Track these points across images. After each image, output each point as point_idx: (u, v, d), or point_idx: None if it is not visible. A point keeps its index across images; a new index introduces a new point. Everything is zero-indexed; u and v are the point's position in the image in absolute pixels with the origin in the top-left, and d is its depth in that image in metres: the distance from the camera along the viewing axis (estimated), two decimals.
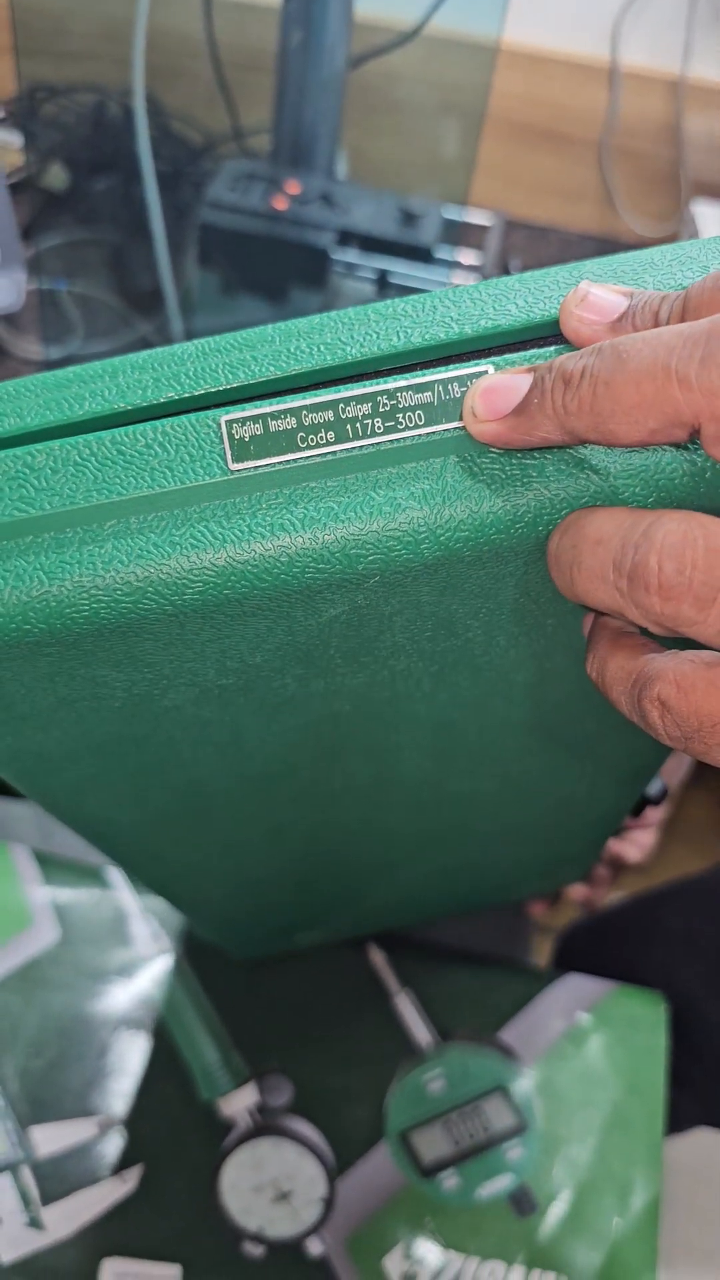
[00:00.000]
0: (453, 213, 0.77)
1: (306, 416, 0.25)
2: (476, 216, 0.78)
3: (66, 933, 0.68)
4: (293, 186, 0.76)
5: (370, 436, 0.25)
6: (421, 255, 0.75)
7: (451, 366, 0.26)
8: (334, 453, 0.25)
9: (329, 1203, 0.60)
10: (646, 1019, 0.68)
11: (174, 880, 0.46)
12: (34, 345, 0.85)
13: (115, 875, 0.72)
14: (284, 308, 0.76)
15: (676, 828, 1.30)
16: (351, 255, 0.74)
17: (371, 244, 0.73)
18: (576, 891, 0.77)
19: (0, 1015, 0.64)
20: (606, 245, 1.07)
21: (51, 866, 0.71)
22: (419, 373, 0.26)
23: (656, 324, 0.25)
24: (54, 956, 0.67)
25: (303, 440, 0.25)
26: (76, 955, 0.68)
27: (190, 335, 0.79)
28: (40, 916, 0.69)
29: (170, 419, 0.25)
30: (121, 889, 0.71)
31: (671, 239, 1.06)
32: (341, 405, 0.25)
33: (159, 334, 0.83)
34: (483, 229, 0.78)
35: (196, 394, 0.26)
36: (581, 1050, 0.66)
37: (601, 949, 0.87)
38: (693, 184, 1.05)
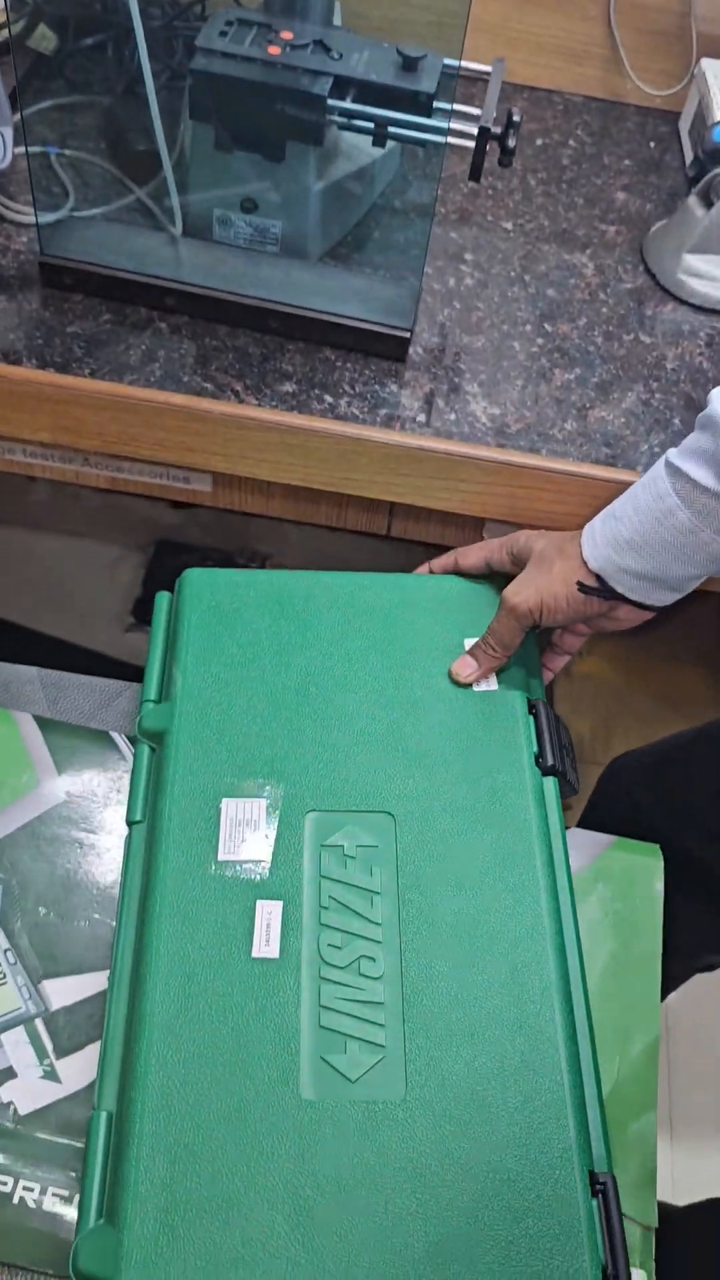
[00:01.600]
0: (454, 61, 0.74)
1: None
2: (478, 64, 0.75)
3: (71, 793, 0.69)
4: (287, 33, 0.72)
5: None
6: (422, 105, 0.72)
7: None
8: None
9: None
10: (644, 871, 0.69)
11: None
12: (26, 210, 0.82)
13: (118, 738, 0.72)
14: (280, 164, 0.73)
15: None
16: (349, 104, 0.71)
17: (369, 92, 0.71)
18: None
19: (9, 873, 0.65)
20: (612, 109, 1.03)
21: (55, 730, 0.71)
22: None
23: None
24: (60, 815, 0.68)
25: None
26: (82, 813, 0.68)
27: (185, 194, 0.77)
28: (46, 777, 0.69)
29: None
30: (121, 749, 0.71)
31: (680, 100, 1.02)
32: None
33: (153, 197, 0.80)
34: (484, 79, 0.75)
35: None
36: (582, 903, 0.67)
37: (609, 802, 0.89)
38: (703, 41, 1.00)
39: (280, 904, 0.58)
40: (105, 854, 0.67)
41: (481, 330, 0.80)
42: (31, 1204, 0.55)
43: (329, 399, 0.74)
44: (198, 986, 0.55)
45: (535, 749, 0.66)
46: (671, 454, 0.62)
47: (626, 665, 1.24)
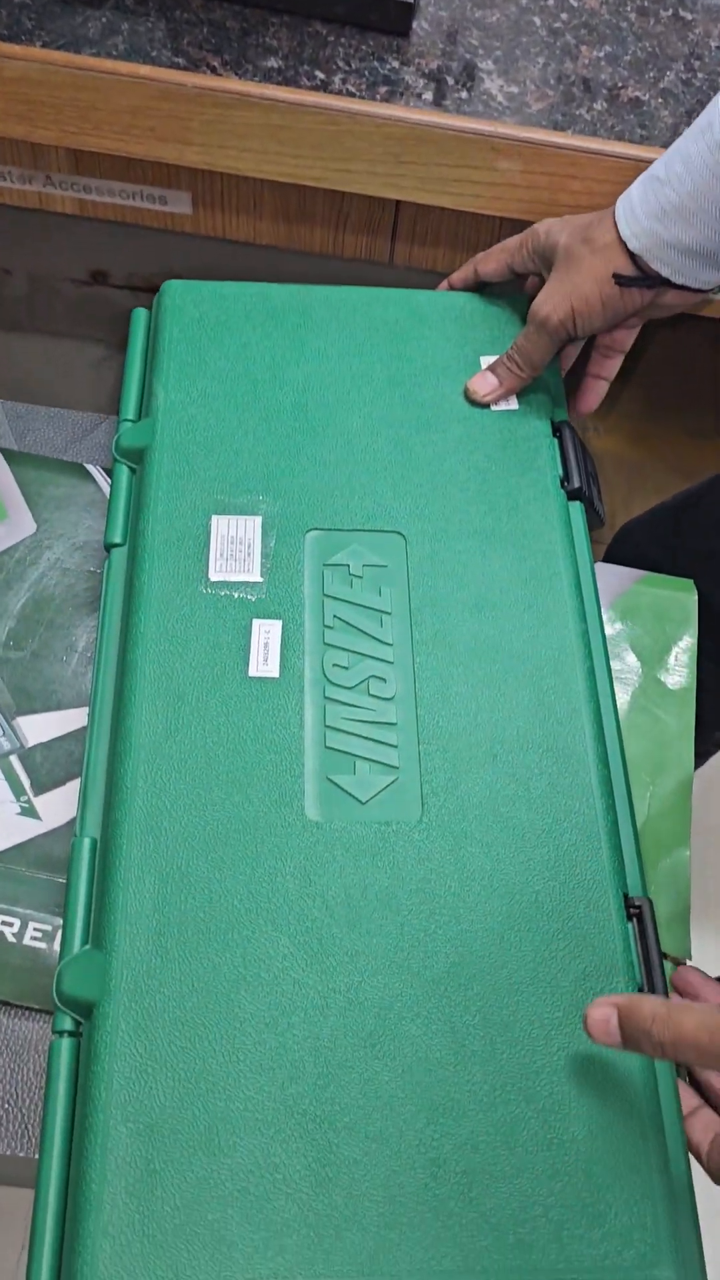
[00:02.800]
0: None
1: None
2: None
3: (42, 526, 0.62)
4: None
5: None
6: None
7: None
8: None
9: None
10: (676, 605, 0.63)
11: None
12: None
13: (90, 469, 0.65)
14: None
15: None
16: None
17: None
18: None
19: None
20: None
21: (24, 462, 0.64)
22: None
23: None
24: (31, 548, 0.61)
25: None
26: (54, 547, 0.61)
27: None
28: (15, 509, 0.62)
29: None
30: (98, 480, 0.64)
31: None
32: None
33: None
34: None
35: None
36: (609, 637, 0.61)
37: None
38: None
39: (279, 623, 0.52)
40: (82, 588, 0.60)
41: (496, 4, 0.70)
42: (11, 938, 0.51)
43: (320, 75, 0.64)
44: (188, 707, 0.50)
45: (560, 472, 0.58)
46: None
47: (645, 441, 1.16)
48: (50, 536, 0.62)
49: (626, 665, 0.61)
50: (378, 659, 0.52)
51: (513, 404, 0.61)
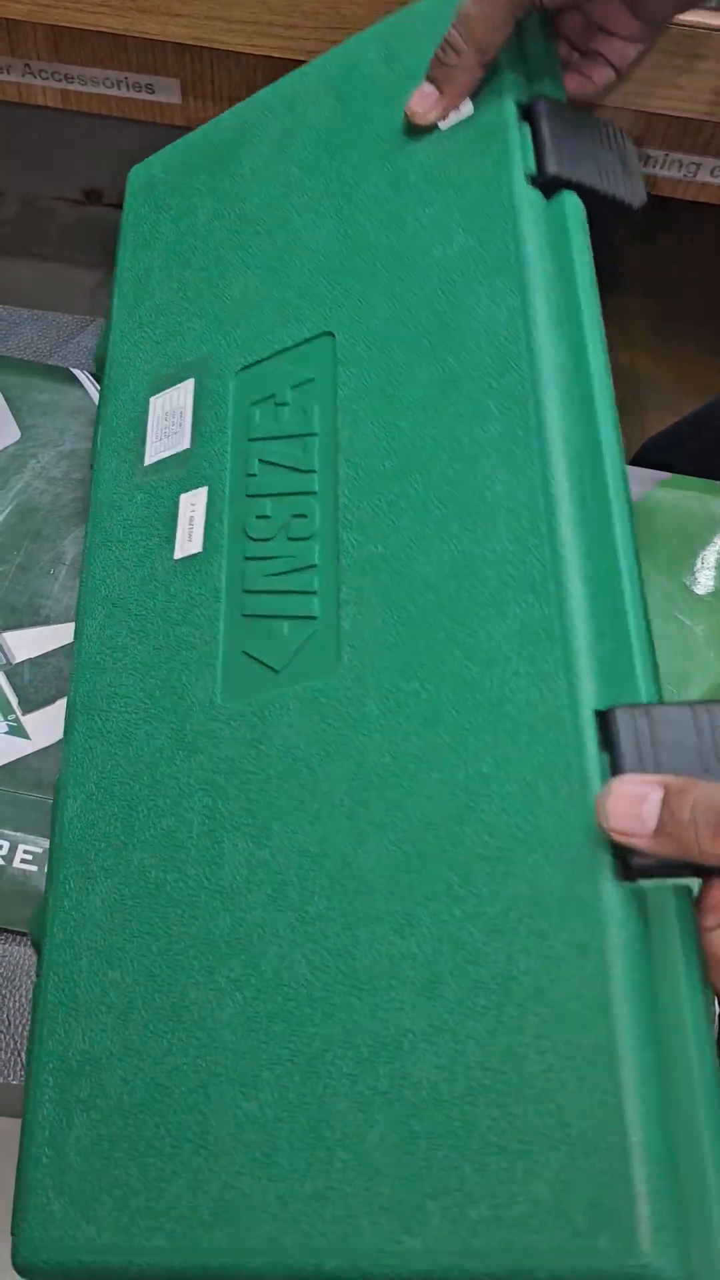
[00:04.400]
0: None
1: None
2: None
3: (26, 433, 0.58)
4: None
5: None
6: None
7: None
8: None
9: None
10: (700, 509, 0.59)
11: None
12: None
13: (78, 374, 0.61)
14: None
15: None
16: None
17: None
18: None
19: None
20: None
21: (7, 367, 0.60)
22: None
23: None
24: (15, 456, 0.58)
25: None
26: (39, 456, 0.58)
27: None
28: None
29: None
30: (85, 386, 0.60)
31: None
32: None
33: None
34: None
35: None
36: None
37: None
38: None
39: (204, 489, 0.46)
40: (69, 498, 0.57)
41: None
42: (1, 861, 0.48)
43: None
44: (121, 610, 0.45)
45: (531, 168, 0.42)
46: None
47: (663, 357, 1.12)
48: (35, 444, 0.58)
49: (647, 566, 0.57)
50: (301, 493, 0.43)
51: (466, 109, 0.45)
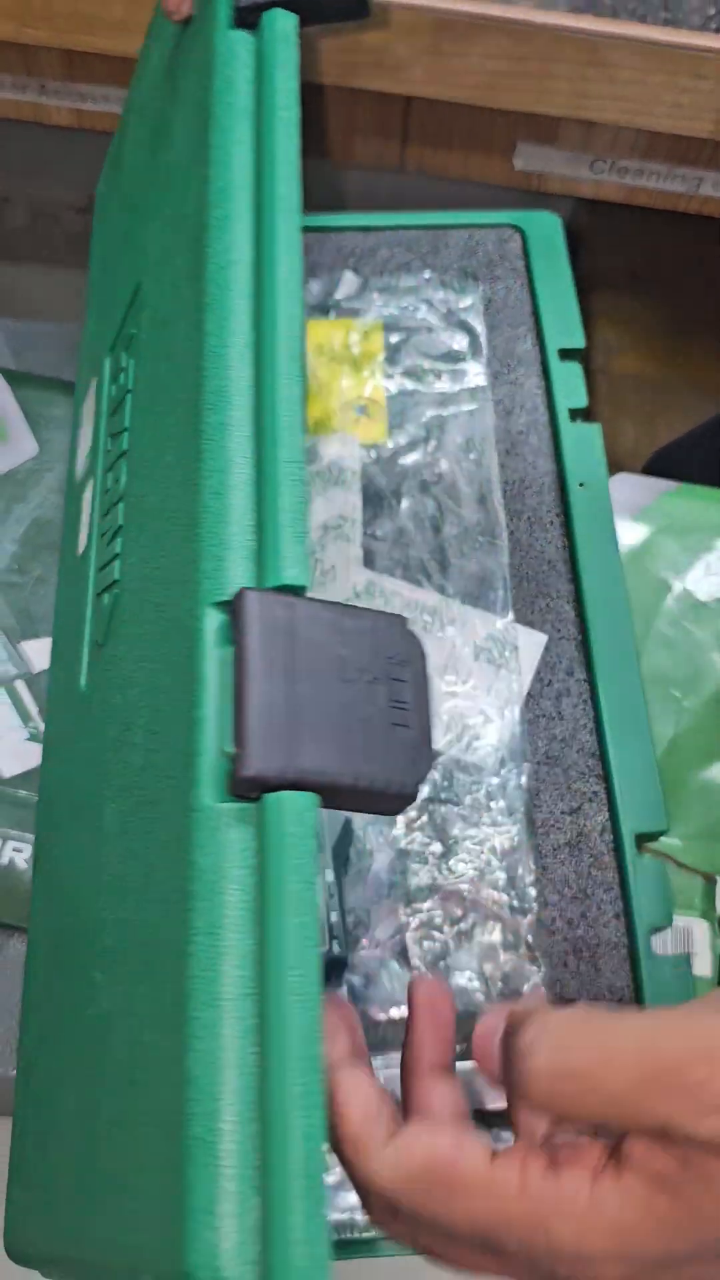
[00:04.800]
0: None
1: None
2: None
3: (44, 447, 0.60)
4: None
5: None
6: None
7: None
8: None
9: None
10: (706, 516, 0.60)
11: None
12: None
13: None
14: None
15: None
16: None
17: None
18: None
19: None
20: None
21: (24, 383, 0.62)
22: None
23: None
24: (33, 471, 0.59)
25: None
26: (56, 470, 0.59)
27: None
28: (15, 430, 0.60)
29: None
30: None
31: None
32: None
33: None
34: None
35: None
36: (635, 552, 0.58)
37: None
38: None
39: (92, 482, 0.46)
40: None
41: None
42: (21, 865, 0.50)
43: None
44: (59, 615, 0.50)
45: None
46: None
47: (669, 359, 1.13)
48: (53, 459, 0.60)
49: (651, 574, 0.58)
50: (119, 455, 0.41)
51: None
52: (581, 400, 0.55)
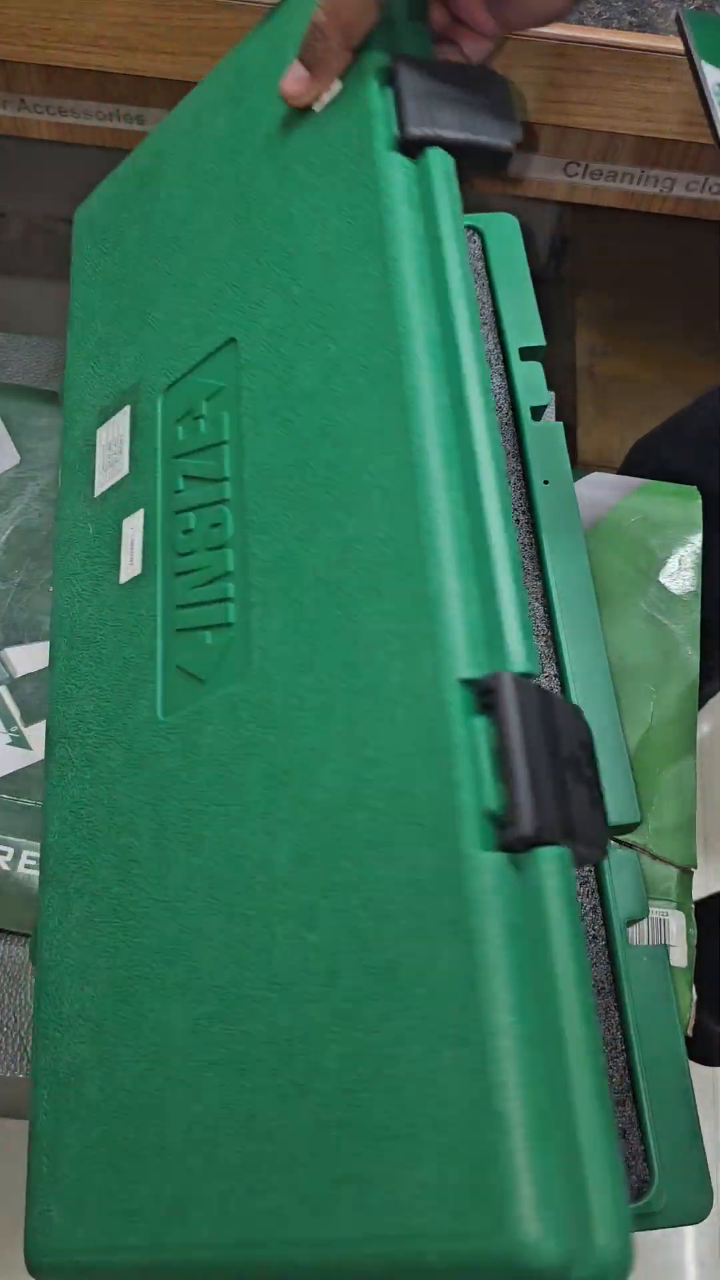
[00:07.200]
0: None
1: None
2: None
3: (25, 456, 0.61)
4: None
5: None
6: None
7: None
8: None
9: None
10: (678, 511, 0.61)
11: None
12: None
13: None
14: None
15: None
16: None
17: None
18: None
19: None
20: None
21: (6, 393, 0.63)
22: None
23: None
24: (15, 480, 0.60)
25: None
26: (37, 479, 0.60)
27: None
28: None
29: None
30: None
31: None
32: None
33: None
34: None
35: None
36: (604, 548, 0.59)
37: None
38: None
39: (141, 512, 0.47)
40: None
41: None
42: (5, 867, 0.50)
43: None
44: (82, 641, 0.48)
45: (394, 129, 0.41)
46: None
47: (658, 363, 1.13)
48: (34, 468, 0.61)
49: (621, 573, 0.59)
50: (216, 503, 0.44)
51: (338, 88, 0.44)
52: (543, 398, 0.55)
